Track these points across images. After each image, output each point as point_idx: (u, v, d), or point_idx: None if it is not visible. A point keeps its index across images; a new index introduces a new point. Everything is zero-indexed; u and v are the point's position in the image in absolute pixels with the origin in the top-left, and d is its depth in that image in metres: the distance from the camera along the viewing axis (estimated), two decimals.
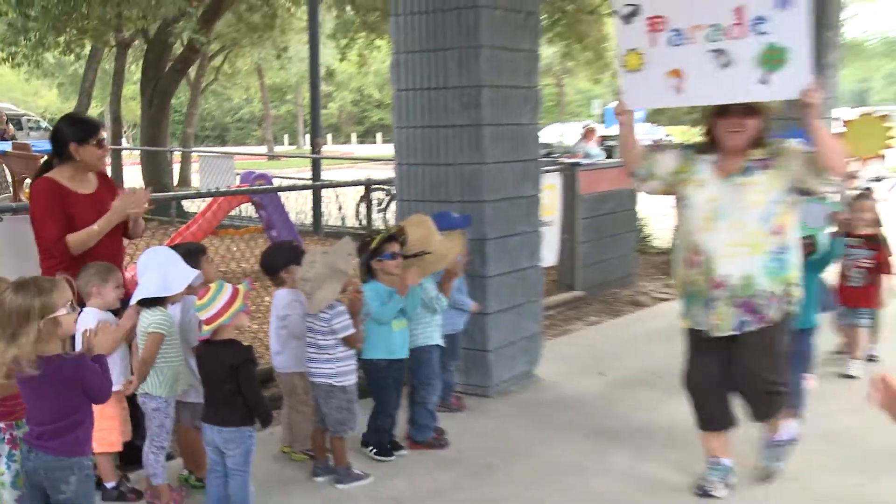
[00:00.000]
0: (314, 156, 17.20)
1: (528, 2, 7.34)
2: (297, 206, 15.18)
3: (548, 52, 22.26)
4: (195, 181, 22.40)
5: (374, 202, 11.78)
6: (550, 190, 10.26)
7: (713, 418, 5.36)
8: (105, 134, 5.65)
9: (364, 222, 11.34)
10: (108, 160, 20.22)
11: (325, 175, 19.36)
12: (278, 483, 5.63)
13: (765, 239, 4.95)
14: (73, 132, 5.50)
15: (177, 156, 24.04)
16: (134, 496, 5.32)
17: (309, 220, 15.13)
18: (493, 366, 7.28)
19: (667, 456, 5.92)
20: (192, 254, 5.37)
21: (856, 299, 7.66)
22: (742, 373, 5.16)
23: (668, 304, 10.86)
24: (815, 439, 5.87)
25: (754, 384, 5.17)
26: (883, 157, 10.45)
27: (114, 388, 4.57)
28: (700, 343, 5.24)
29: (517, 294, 7.44)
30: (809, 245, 5.93)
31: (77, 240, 5.29)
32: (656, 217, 13.72)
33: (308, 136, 23.20)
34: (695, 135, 13.91)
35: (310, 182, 15.72)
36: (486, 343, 7.24)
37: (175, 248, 5.61)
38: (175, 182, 22.98)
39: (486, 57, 6.97)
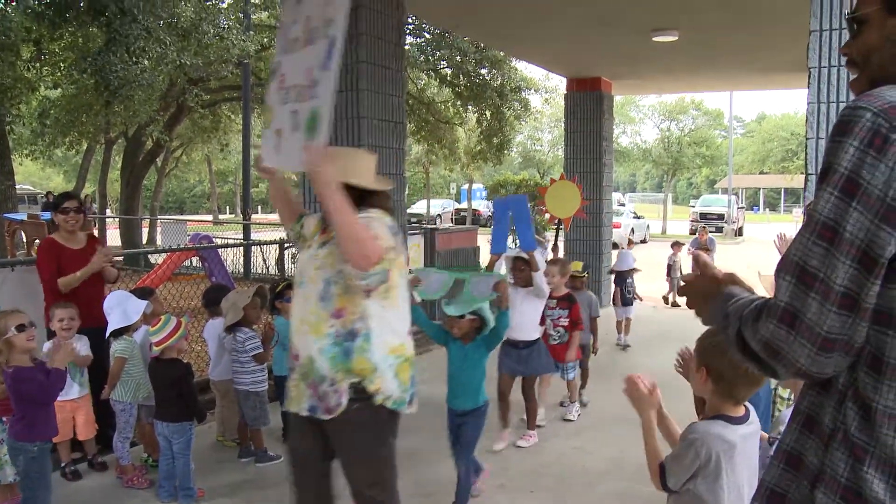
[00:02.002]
0: (245, 222, 17.14)
1: (397, 115, 7.42)
2: (234, 259, 15.16)
3: (417, 148, 22.55)
4: (159, 240, 22.01)
5: (289, 256, 11.61)
6: (416, 247, 10.29)
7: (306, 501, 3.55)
8: (72, 204, 5.65)
9: (281, 271, 11.24)
10: (95, 224, 20.27)
11: (256, 236, 19.32)
12: (214, 462, 5.55)
13: (324, 321, 3.17)
14: (54, 205, 5.81)
15: (146, 221, 23.53)
16: (100, 467, 5.39)
17: (241, 268, 15.00)
18: None
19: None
20: (144, 293, 5.52)
21: (560, 354, 6.42)
22: (347, 482, 3.41)
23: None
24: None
25: (358, 499, 3.41)
26: (584, 214, 8.50)
27: (73, 397, 5.02)
28: (292, 418, 3.46)
29: None
30: (476, 320, 4.67)
31: (64, 282, 5.40)
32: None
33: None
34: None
35: (240, 241, 15.76)
36: None
37: (133, 291, 5.68)
38: (144, 241, 22.53)
39: None
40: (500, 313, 4.66)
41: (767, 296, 1.57)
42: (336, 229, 3.01)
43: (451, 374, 4.75)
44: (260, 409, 5.55)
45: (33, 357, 4.24)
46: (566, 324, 6.44)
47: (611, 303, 10.50)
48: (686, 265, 13.83)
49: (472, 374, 4.70)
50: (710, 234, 14.76)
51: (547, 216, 8.29)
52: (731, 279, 1.74)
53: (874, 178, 1.34)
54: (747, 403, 2.52)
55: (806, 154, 5.57)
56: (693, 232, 35.74)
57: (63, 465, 5.24)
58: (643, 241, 19.04)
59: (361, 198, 3.22)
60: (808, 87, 5.40)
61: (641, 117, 41.91)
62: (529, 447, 5.90)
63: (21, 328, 4.11)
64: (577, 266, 7.30)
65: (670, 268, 13.57)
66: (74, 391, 5.07)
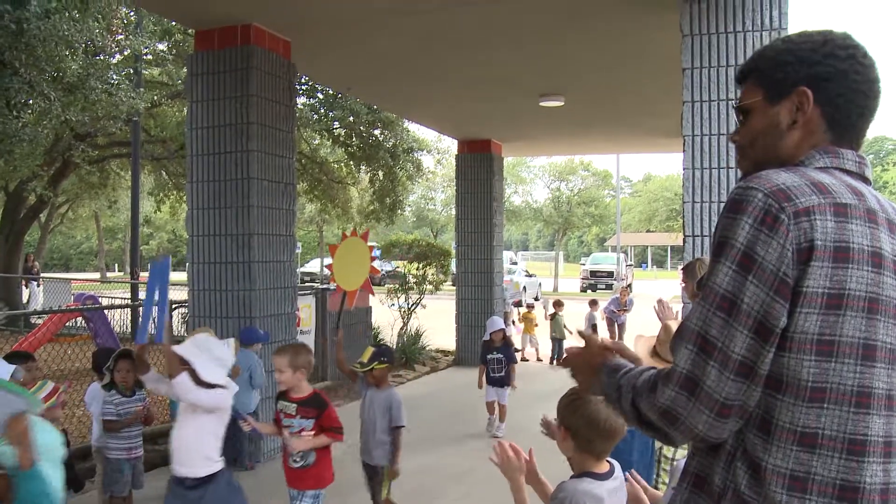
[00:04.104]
0: (133, 281, 16.67)
1: (287, 176, 7.40)
2: (121, 319, 14.71)
3: (310, 207, 22.53)
4: (41, 299, 21.14)
5: (178, 316, 11.35)
6: (307, 308, 10.20)
7: None
8: None
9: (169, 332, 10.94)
10: None
11: (145, 295, 18.82)
12: None
13: None
14: None
15: (27, 280, 22.60)
16: None
17: (129, 329, 14.53)
18: (264, 439, 7.10)
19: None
20: (16, 357, 5.11)
21: (301, 480, 4.56)
22: None
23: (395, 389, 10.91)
24: None
25: None
26: (371, 288, 5.93)
27: None
28: None
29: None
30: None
31: None
32: (385, 326, 13.80)
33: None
34: (411, 269, 14.08)
35: (128, 301, 15.33)
36: (256, 421, 7.04)
37: (5, 356, 5.30)
38: (25, 300, 21.60)
39: (255, 213, 6.96)
40: (21, 476, 2.95)
41: (643, 357, 1.64)
42: None
43: None
44: (114, 475, 5.34)
45: None
46: (311, 433, 4.54)
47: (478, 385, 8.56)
48: (603, 324, 14.14)
49: None
50: (630, 296, 15.01)
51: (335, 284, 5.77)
52: (619, 349, 1.83)
53: (768, 253, 1.45)
54: (611, 459, 2.61)
55: (683, 216, 5.80)
56: (584, 290, 36.72)
57: None
58: (536, 299, 19.68)
59: None
60: (683, 153, 5.66)
61: (532, 177, 42.90)
62: None
63: None
64: (366, 355, 5.29)
65: (594, 328, 13.72)
66: None
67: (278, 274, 7.30)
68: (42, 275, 24.95)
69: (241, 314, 6.99)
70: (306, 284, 15.88)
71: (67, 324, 12.75)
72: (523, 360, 13.45)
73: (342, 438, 4.60)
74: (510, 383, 8.32)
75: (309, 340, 10.19)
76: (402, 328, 13.63)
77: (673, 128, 10.27)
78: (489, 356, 8.33)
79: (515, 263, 34.11)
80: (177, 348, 4.09)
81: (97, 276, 43.87)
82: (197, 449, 4.15)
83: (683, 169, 5.68)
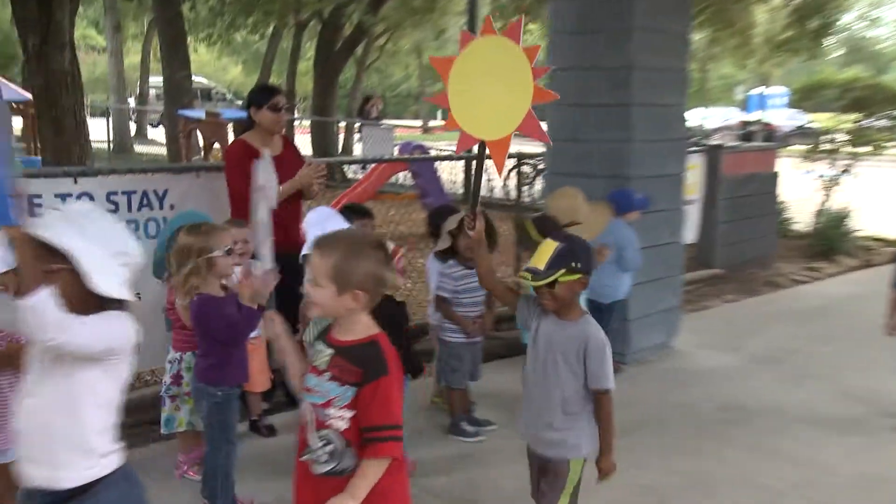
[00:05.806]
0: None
1: None
2: (450, 176, 15.34)
3: (693, 38, 21.95)
4: (357, 150, 22.74)
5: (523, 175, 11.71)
6: (693, 170, 10.10)
7: None
8: (282, 100, 5.84)
9: (512, 194, 11.29)
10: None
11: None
12: (430, 428, 5.73)
13: None
14: (253, 98, 5.89)
15: (342, 126, 24.38)
16: (266, 431, 5.69)
17: (459, 189, 15.15)
18: (632, 335, 7.21)
19: (796, 434, 5.81)
20: (356, 212, 5.49)
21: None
22: None
23: (806, 287, 10.61)
24: None
25: None
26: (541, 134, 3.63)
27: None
28: None
29: (657, 268, 7.33)
30: None
31: None
32: (798, 200, 13.29)
33: None
34: (841, 122, 13.36)
35: (463, 154, 15.89)
36: (626, 313, 7.15)
37: (345, 207, 5.75)
38: (339, 150, 23.38)
39: (637, 38, 6.90)
40: None
41: None
42: None
43: None
44: (452, 363, 5.66)
45: (225, 285, 4.43)
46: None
47: None
48: None
49: None
50: None
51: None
52: None
53: None
54: None
55: None
56: None
57: (253, 418, 5.66)
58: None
59: None
60: None
61: None
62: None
63: (229, 252, 4.29)
64: (542, 256, 3.57)
65: None
66: None
67: (665, 121, 7.24)
68: (358, 121, 26.58)
69: (611, 172, 7.03)
70: (693, 140, 15.59)
71: (391, 179, 13.55)
72: None
73: (395, 453, 2.89)
74: None
75: (694, 212, 10.13)
76: (821, 205, 13.08)
77: None
78: None
79: None
80: (38, 232, 2.57)
81: (418, 123, 46.36)
82: (65, 434, 2.69)
83: None
